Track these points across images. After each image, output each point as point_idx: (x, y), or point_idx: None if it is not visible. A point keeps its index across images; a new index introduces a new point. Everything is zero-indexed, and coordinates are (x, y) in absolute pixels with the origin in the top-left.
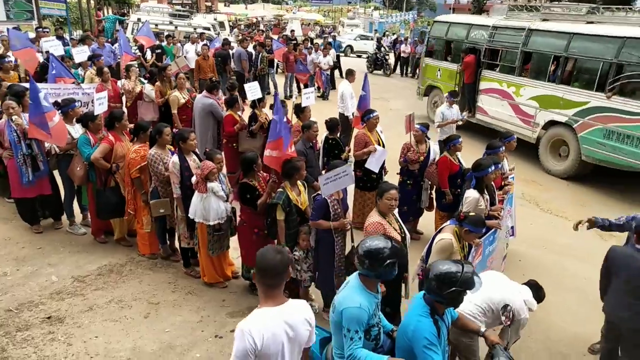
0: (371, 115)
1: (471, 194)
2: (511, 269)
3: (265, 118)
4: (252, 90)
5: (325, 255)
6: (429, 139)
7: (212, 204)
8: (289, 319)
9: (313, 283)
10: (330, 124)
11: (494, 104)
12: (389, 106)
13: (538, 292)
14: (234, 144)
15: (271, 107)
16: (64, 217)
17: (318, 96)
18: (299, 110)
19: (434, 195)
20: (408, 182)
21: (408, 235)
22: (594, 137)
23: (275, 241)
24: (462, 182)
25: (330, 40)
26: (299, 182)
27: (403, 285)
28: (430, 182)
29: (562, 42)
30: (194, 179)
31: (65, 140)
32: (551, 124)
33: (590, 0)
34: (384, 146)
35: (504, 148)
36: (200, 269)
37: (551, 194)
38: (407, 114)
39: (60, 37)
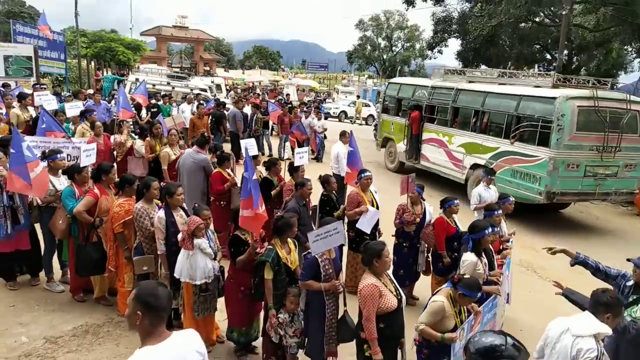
0: (362, 175)
1: (469, 257)
2: None
3: (260, 176)
4: (248, 146)
5: (316, 320)
6: (424, 200)
7: (198, 262)
8: (177, 353)
9: (301, 350)
10: (323, 180)
11: (433, 151)
12: (385, 169)
13: (603, 298)
14: (222, 202)
15: (263, 163)
16: (42, 273)
17: (312, 158)
18: (293, 169)
19: (430, 259)
20: (404, 244)
21: (404, 297)
22: (504, 176)
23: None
24: (459, 245)
25: (317, 105)
26: (289, 240)
27: (399, 351)
28: (426, 245)
29: (480, 98)
30: (180, 236)
31: (45, 192)
32: (475, 166)
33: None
34: (377, 207)
35: (500, 211)
36: None
37: (549, 262)
38: (405, 175)
39: (57, 94)
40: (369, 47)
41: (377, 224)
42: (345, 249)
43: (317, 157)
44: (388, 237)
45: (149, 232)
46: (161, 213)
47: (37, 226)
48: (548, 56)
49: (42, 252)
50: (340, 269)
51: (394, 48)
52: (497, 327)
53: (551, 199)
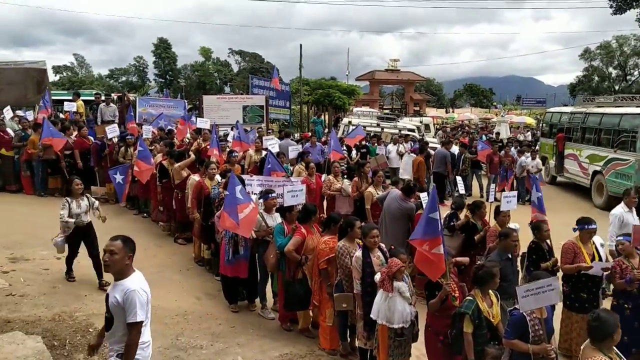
0: (586, 227)
1: None
2: None
3: (466, 216)
4: (461, 185)
5: None
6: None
7: (397, 305)
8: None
9: None
10: (534, 226)
11: (571, 164)
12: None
13: None
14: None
15: (468, 206)
16: (258, 300)
17: (526, 200)
18: (497, 213)
19: None
20: (625, 305)
21: None
22: (611, 178)
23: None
24: None
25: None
26: (491, 292)
27: None
28: None
29: (598, 119)
30: (377, 277)
31: (249, 232)
32: (595, 173)
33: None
34: (601, 260)
35: None
36: None
37: None
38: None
39: (281, 138)
40: (596, 78)
41: (600, 279)
42: (558, 305)
43: (530, 200)
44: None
45: (349, 270)
46: (358, 253)
47: None
48: None
49: (258, 281)
50: (552, 331)
51: (628, 77)
52: None
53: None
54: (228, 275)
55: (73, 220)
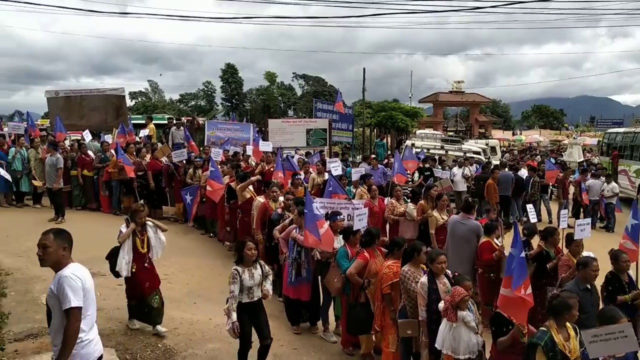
0: None
1: None
2: None
3: (539, 245)
4: (532, 212)
5: None
6: None
7: (462, 335)
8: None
9: None
10: (612, 255)
11: (622, 178)
12: None
13: None
14: (492, 274)
15: (539, 233)
16: (320, 323)
17: (601, 227)
18: (569, 241)
19: None
20: None
21: None
22: None
23: None
24: None
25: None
26: (568, 325)
27: None
28: None
29: None
30: (441, 305)
31: (332, 246)
32: None
33: None
34: None
35: None
36: None
37: None
38: None
39: (344, 160)
40: None
41: None
42: None
43: (607, 227)
44: None
45: (414, 295)
46: (424, 279)
47: None
48: None
49: (321, 304)
50: None
51: None
52: None
53: None
54: (290, 296)
55: (237, 301)
